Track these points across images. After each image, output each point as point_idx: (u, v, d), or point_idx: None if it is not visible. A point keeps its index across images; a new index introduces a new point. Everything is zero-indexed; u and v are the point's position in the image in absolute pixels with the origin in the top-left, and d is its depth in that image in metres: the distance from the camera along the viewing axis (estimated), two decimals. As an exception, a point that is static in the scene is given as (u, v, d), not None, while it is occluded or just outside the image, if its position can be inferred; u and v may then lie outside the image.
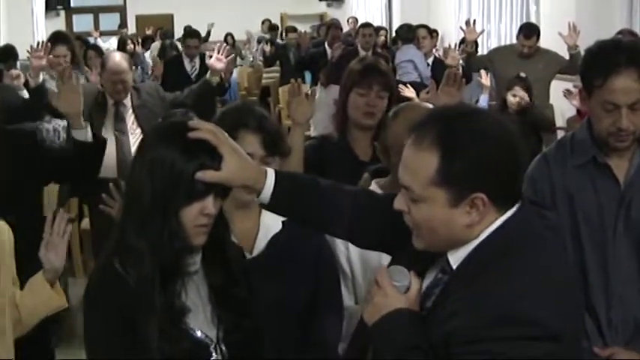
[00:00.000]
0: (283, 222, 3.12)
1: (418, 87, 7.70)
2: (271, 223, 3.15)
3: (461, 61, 9.79)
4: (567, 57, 8.87)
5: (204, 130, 2.39)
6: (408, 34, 10.63)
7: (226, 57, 6.88)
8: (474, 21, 10.20)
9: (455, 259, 2.28)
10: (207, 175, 2.36)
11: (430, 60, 10.23)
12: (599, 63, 3.17)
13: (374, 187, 3.45)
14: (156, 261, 2.39)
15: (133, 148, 6.32)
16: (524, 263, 2.18)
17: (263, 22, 21.72)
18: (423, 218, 2.26)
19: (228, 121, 3.01)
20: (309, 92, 4.38)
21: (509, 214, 2.25)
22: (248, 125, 3.08)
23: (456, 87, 4.26)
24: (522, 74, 8.23)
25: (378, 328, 2.32)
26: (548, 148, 3.49)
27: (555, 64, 9.05)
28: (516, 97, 7.69)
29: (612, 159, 3.26)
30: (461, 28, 10.21)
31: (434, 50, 11.78)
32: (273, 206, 2.51)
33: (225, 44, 7.58)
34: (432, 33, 10.95)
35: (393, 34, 11.38)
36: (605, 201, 3.26)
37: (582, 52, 3.56)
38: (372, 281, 2.39)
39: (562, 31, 8.75)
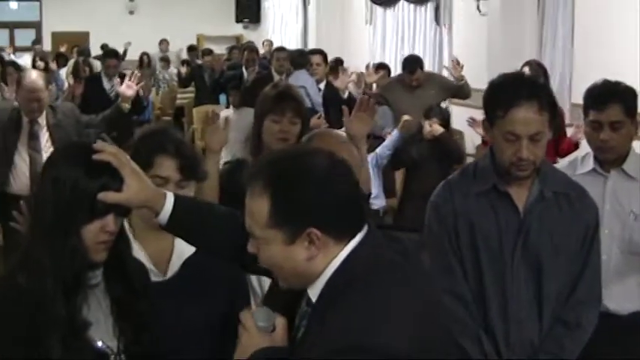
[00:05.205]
0: None
1: (309, 113, 7.66)
2: (185, 245, 3.16)
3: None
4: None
5: (108, 152, 2.50)
6: (301, 59, 10.47)
7: (137, 84, 7.01)
8: (374, 65, 10.73)
9: (313, 293, 2.34)
10: (108, 196, 2.46)
11: (322, 85, 10.09)
12: (501, 95, 3.30)
13: None
14: (58, 275, 2.45)
15: (48, 167, 6.34)
16: (370, 292, 2.24)
17: (161, 43, 21.33)
18: (268, 258, 2.34)
19: (146, 146, 3.07)
20: (225, 119, 4.45)
21: (353, 244, 2.32)
22: (166, 150, 3.11)
23: (368, 112, 4.36)
24: (443, 104, 8.45)
25: None
26: (453, 174, 3.60)
27: (446, 88, 9.46)
28: (432, 127, 7.85)
29: (512, 187, 3.38)
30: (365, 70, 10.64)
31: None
32: (170, 228, 2.61)
33: (136, 71, 7.66)
34: (326, 60, 10.76)
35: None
36: (504, 228, 3.37)
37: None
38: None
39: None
